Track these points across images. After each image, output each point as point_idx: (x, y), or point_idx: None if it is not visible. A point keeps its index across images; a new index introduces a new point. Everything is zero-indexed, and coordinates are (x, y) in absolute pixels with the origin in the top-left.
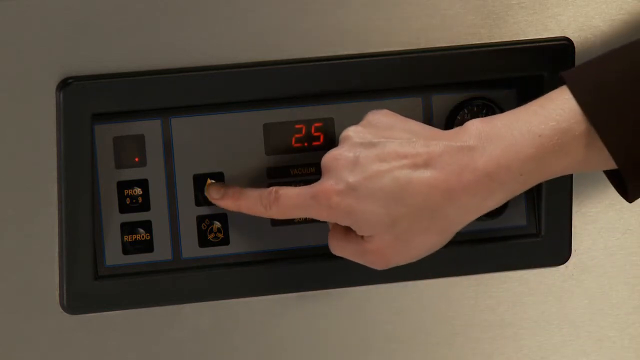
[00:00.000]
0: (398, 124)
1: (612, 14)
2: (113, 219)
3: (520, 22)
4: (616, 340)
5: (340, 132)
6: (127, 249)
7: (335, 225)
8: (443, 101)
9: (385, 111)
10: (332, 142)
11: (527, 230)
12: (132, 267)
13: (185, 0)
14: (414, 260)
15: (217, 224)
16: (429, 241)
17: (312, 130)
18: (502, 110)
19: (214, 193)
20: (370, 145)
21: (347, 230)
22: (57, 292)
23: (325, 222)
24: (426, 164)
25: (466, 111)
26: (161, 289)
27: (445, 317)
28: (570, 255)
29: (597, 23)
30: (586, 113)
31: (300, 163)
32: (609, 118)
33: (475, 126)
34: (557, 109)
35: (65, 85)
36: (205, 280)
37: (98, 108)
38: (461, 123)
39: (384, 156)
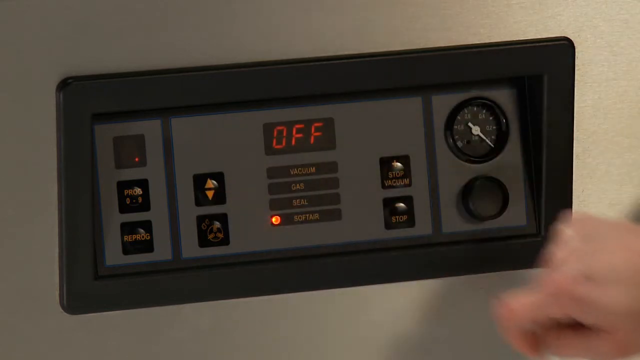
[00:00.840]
0: (605, 222)
1: (612, 14)
2: (113, 219)
3: (520, 22)
4: None
5: (340, 132)
6: (127, 249)
7: (557, 324)
8: (443, 101)
9: (586, 214)
10: (332, 142)
11: (527, 230)
12: (132, 267)
13: (185, 0)
14: None
15: (217, 224)
16: None
17: (312, 130)
18: (502, 111)
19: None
20: (593, 238)
21: (577, 326)
22: (57, 292)
23: (325, 221)
24: None
25: (466, 111)
26: (161, 289)
27: (445, 317)
28: None
29: (597, 23)
30: None
31: (300, 163)
32: None
33: None
34: None
35: (65, 85)
36: (205, 280)
37: (98, 108)
38: (461, 123)
39: (611, 248)
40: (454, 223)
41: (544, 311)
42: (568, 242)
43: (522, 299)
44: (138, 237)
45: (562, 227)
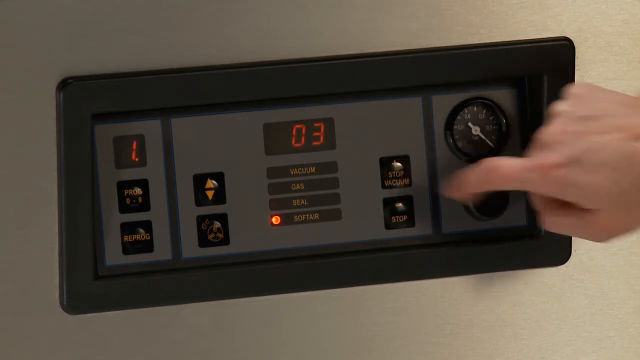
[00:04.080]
0: (606, 95)
1: (612, 14)
2: (113, 219)
3: (520, 22)
4: (616, 340)
5: (340, 132)
6: (127, 249)
7: (549, 200)
8: (443, 101)
9: (588, 85)
10: (332, 142)
11: (527, 230)
12: (132, 267)
13: (185, 0)
14: (632, 231)
15: (217, 224)
16: None
17: (312, 130)
18: (502, 111)
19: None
20: (588, 118)
21: (565, 204)
22: (57, 292)
23: (325, 221)
24: None
25: (466, 111)
26: (161, 289)
27: (445, 317)
28: (570, 255)
29: (597, 23)
30: None
31: (300, 163)
32: None
33: None
34: None
35: (65, 85)
36: (205, 280)
37: (98, 108)
38: (461, 123)
39: (603, 129)
40: (454, 223)
41: (520, 185)
42: (562, 120)
43: (506, 163)
44: (138, 237)
45: (560, 102)
